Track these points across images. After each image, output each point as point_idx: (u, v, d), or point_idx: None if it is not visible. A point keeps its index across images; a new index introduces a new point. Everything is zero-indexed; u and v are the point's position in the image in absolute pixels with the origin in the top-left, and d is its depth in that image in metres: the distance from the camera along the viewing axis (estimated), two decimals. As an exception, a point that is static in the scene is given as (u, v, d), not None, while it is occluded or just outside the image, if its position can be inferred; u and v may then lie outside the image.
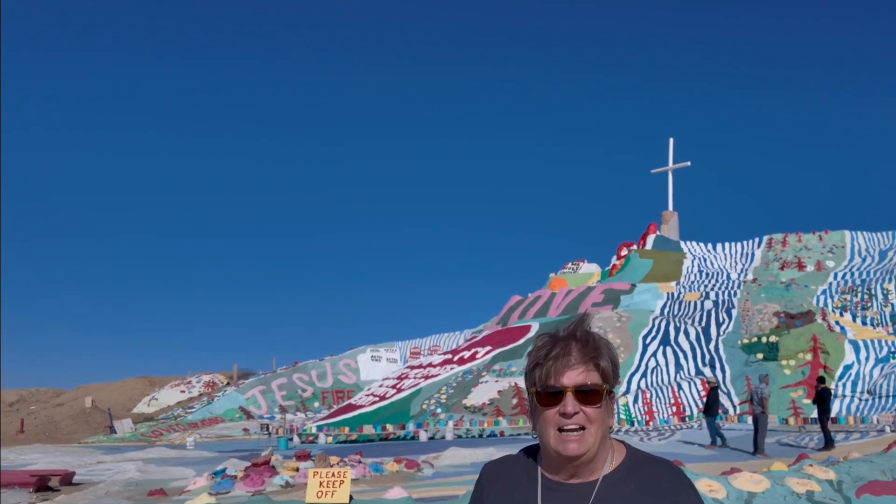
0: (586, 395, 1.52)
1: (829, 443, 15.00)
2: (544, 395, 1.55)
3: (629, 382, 26.94)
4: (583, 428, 1.52)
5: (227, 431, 34.41)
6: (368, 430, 25.60)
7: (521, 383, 26.65)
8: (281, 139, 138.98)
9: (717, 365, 26.90)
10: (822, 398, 15.71)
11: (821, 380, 16.50)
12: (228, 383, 50.33)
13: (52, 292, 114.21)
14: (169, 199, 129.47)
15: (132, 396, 50.75)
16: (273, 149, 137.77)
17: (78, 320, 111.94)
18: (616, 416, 1.66)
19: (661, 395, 25.66)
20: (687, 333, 29.56)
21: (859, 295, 31.66)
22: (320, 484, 9.32)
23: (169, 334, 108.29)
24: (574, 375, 1.53)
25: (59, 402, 50.72)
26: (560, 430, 1.53)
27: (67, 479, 14.75)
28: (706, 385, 17.29)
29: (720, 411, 23.58)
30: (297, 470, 13.42)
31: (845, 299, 31.60)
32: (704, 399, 18.50)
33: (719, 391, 17.26)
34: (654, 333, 29.92)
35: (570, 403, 1.52)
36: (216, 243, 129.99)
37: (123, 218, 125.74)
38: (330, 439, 25.78)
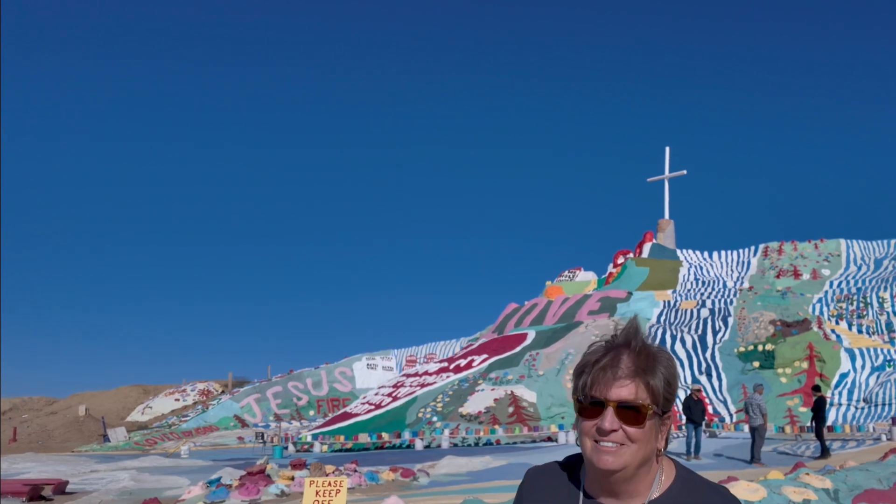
0: (628, 412, 1.39)
1: (824, 451, 14.98)
2: (585, 406, 1.43)
3: (625, 391, 26.89)
4: (622, 444, 1.40)
5: (222, 440, 34.24)
6: (364, 438, 25.49)
7: (517, 391, 26.58)
8: (276, 146, 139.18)
9: (714, 373, 26.91)
10: (818, 407, 15.70)
11: (816, 388, 16.47)
12: (223, 391, 50.13)
13: (46, 300, 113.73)
14: (162, 206, 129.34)
15: (126, 405, 50.46)
16: (268, 156, 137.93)
17: (71, 328, 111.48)
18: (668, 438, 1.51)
19: (657, 403, 25.65)
20: (683, 341, 29.59)
21: (855, 303, 31.75)
22: (316, 493, 9.26)
23: (163, 342, 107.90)
24: (619, 390, 1.40)
25: (52, 411, 50.40)
26: (597, 440, 1.42)
27: (61, 488, 14.64)
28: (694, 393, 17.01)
29: (715, 420, 23.58)
30: (293, 479, 13.37)
31: (841, 307, 31.68)
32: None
33: (696, 399, 16.57)
34: (650, 341, 29.91)
35: (608, 419, 1.39)
36: (212, 251, 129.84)
37: (117, 225, 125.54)
38: (325, 448, 25.67)
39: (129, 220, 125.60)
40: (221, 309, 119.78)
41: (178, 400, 48.94)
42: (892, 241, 39.90)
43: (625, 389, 1.40)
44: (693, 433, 15.99)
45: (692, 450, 15.85)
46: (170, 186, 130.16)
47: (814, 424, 15.84)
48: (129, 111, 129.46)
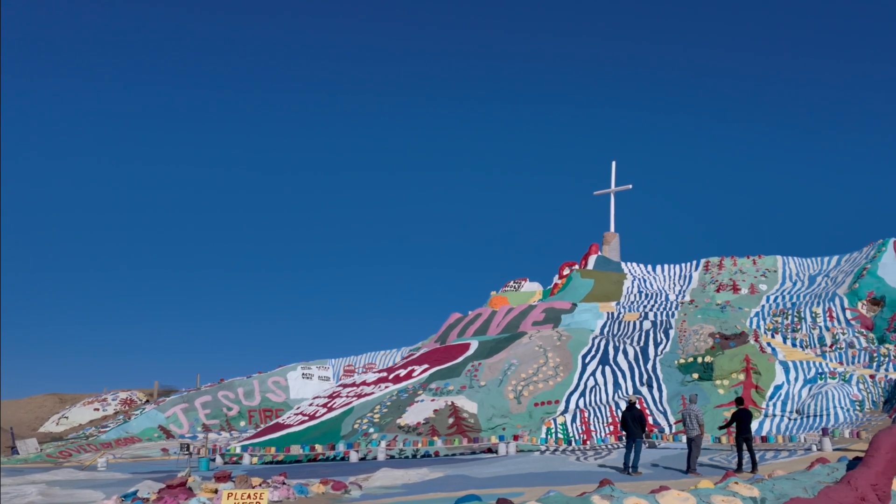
0: None
1: (740, 466, 14.61)
2: None
3: (567, 402, 26.71)
4: None
5: (145, 452, 32.45)
6: (296, 450, 24.44)
7: (458, 402, 25.99)
8: (211, 163, 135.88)
9: (655, 384, 27.03)
10: (739, 418, 15.16)
11: (739, 401, 16.14)
12: (148, 401, 47.93)
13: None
14: (92, 216, 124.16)
15: (40, 415, 47.51)
16: (202, 168, 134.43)
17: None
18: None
19: (599, 414, 25.50)
20: (626, 353, 29.68)
21: (789, 318, 32.63)
22: (232, 506, 8.47)
23: (83, 348, 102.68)
24: None
25: (-43, 421, 47.02)
26: None
27: (-49, 504, 13.24)
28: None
29: (654, 430, 23.55)
30: (216, 492, 12.54)
31: (776, 321, 32.50)
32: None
33: (634, 410, 15.62)
34: (593, 352, 29.90)
35: None
36: (141, 257, 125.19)
37: (44, 234, 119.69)
38: (255, 460, 24.50)
39: (55, 226, 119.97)
40: (148, 314, 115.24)
41: (97, 409, 46.42)
42: (826, 259, 41.41)
43: None
44: (629, 446, 15.09)
45: (632, 465, 14.89)
46: (96, 196, 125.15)
47: (735, 435, 15.17)
48: (71, 137, 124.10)
